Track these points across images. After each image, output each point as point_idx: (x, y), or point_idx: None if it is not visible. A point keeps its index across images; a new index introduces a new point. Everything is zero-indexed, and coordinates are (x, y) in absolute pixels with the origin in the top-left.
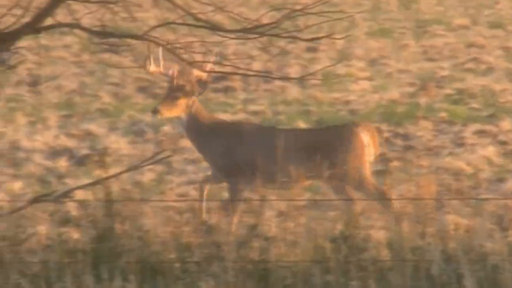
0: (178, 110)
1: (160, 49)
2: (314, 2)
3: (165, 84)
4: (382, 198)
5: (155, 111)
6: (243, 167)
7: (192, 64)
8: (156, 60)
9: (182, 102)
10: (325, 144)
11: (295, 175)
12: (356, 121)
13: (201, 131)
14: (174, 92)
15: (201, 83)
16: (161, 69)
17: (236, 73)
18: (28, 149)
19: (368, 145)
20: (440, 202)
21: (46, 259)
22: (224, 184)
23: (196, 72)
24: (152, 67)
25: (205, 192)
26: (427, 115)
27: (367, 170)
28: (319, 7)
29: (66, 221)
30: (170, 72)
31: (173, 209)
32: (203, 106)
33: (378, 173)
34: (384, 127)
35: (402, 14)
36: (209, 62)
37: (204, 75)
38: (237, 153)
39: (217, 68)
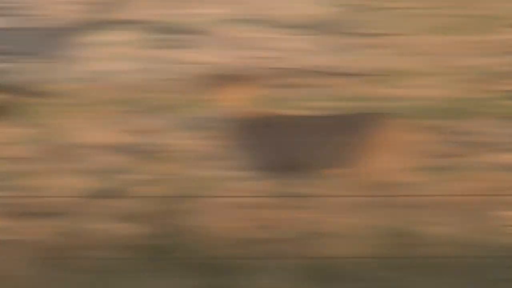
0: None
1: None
2: None
3: None
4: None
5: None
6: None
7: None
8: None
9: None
10: (343, 132)
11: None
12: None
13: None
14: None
15: None
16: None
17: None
18: (88, 144)
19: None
20: (503, 199)
21: (106, 256)
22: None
23: None
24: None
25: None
26: (489, 111)
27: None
28: None
29: (127, 217)
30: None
31: (234, 205)
32: None
33: (439, 170)
34: (444, 123)
35: (463, 9)
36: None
37: None
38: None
39: None
